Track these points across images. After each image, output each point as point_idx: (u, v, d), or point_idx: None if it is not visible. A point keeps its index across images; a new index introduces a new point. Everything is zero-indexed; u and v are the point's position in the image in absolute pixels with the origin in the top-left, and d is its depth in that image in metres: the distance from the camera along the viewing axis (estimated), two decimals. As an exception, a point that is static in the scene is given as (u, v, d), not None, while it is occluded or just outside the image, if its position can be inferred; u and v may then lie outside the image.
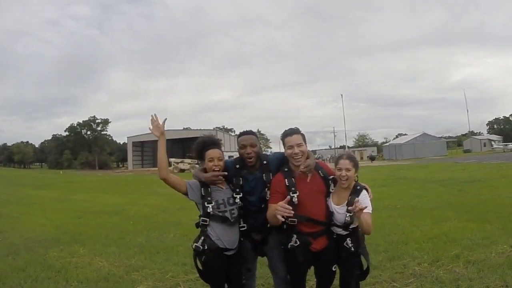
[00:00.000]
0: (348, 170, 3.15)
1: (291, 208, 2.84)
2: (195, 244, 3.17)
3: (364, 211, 3.03)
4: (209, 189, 3.19)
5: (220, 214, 3.17)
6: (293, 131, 3.23)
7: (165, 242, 6.87)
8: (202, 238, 3.16)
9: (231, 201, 3.24)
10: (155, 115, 3.20)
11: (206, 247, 3.13)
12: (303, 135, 3.26)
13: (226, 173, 3.25)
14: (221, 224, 3.17)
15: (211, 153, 3.23)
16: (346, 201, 3.14)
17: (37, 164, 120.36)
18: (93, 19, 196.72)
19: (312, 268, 3.47)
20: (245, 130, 3.47)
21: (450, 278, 4.28)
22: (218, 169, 3.19)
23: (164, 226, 8.49)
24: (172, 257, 5.81)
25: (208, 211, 3.15)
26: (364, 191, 3.19)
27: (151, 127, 3.18)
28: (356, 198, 3.03)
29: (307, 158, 3.24)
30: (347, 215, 3.12)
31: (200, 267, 3.24)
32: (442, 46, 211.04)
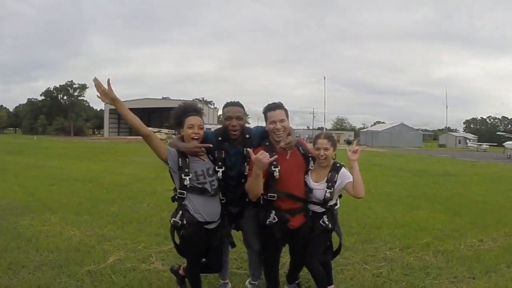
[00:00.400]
0: (326, 149, 3.15)
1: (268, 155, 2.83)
2: (173, 219, 3.04)
3: (348, 180, 3.13)
4: (187, 159, 3.03)
5: (199, 186, 3.04)
6: (277, 106, 3.16)
7: (139, 212, 6.80)
8: (181, 212, 3.04)
9: (210, 171, 3.11)
10: (95, 79, 2.85)
11: (185, 222, 3.01)
12: (286, 111, 3.20)
13: (211, 145, 3.13)
14: (200, 196, 3.04)
15: (192, 119, 3.06)
16: (326, 178, 3.17)
17: (11, 129, 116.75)
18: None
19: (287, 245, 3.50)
20: (232, 100, 3.32)
21: (420, 265, 4.40)
22: (197, 137, 3.03)
23: (139, 195, 8.41)
24: (145, 227, 5.76)
25: (185, 183, 3.00)
26: (343, 169, 3.22)
27: (98, 94, 2.88)
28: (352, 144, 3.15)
29: (289, 134, 3.20)
30: (327, 191, 3.14)
31: (178, 242, 3.15)
32: (429, 42, 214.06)
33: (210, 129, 3.51)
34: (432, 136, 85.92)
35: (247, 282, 3.79)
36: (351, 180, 3.10)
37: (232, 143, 3.26)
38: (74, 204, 7.46)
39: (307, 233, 3.25)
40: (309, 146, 3.43)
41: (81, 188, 9.49)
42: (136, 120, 2.96)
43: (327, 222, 3.18)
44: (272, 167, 3.03)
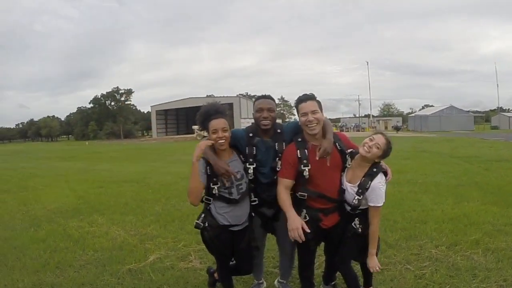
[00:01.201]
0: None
1: (303, 237, 2.79)
2: (196, 221, 3.10)
3: (371, 204, 2.92)
4: None
5: (226, 194, 3.03)
6: (308, 97, 3.01)
7: (181, 210, 6.99)
8: (203, 215, 3.09)
9: (239, 175, 3.06)
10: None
11: (207, 224, 3.05)
12: (318, 102, 3.03)
13: (238, 175, 3.07)
14: (226, 203, 3.05)
15: (215, 124, 2.98)
16: (359, 182, 2.94)
17: (64, 136, 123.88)
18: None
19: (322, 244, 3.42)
20: (263, 94, 3.29)
21: (467, 266, 4.07)
22: (223, 141, 2.98)
23: (183, 193, 8.48)
24: (187, 225, 5.85)
25: (213, 192, 3.01)
26: (379, 176, 2.94)
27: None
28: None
29: (324, 130, 3.02)
30: (355, 197, 2.94)
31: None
32: (474, 16, 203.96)
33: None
34: (484, 118, 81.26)
35: (276, 281, 3.79)
36: (373, 205, 2.93)
37: (263, 136, 3.19)
38: (121, 205, 7.79)
39: (341, 233, 3.13)
40: (354, 135, 3.24)
41: (128, 189, 9.89)
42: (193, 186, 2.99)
43: (357, 226, 3.02)
44: (302, 165, 2.93)
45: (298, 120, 3.19)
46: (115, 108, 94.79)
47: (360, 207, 2.99)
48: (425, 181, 9.60)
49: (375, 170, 2.94)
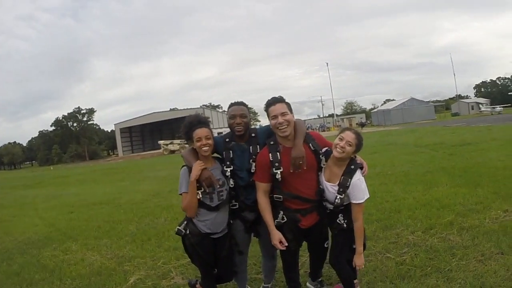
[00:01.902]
0: (284, 114, 2.95)
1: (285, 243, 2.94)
2: (177, 227, 3.14)
3: (354, 201, 2.98)
4: None
5: (207, 201, 3.08)
6: (276, 100, 3.03)
7: (156, 228, 6.82)
8: (185, 222, 3.13)
9: (220, 182, 3.11)
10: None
11: (188, 232, 3.10)
12: (288, 104, 3.05)
13: (220, 183, 3.12)
14: (206, 210, 3.09)
15: (198, 132, 3.05)
16: (339, 181, 2.97)
17: (28, 163, 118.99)
18: (66, 8, 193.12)
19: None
20: (235, 101, 3.33)
21: (445, 247, 4.23)
22: (207, 148, 3.04)
23: (155, 211, 8.43)
24: (164, 243, 5.77)
25: (198, 197, 3.03)
26: (358, 172, 2.99)
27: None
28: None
29: (295, 133, 3.05)
30: (338, 196, 2.98)
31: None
32: (427, 11, 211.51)
33: (221, 133, 3.49)
34: (444, 106, 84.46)
35: (261, 287, 3.76)
36: (357, 202, 2.99)
37: (238, 141, 3.24)
38: (93, 228, 7.50)
39: (323, 232, 3.19)
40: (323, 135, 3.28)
41: (99, 211, 9.55)
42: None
43: (342, 221, 3.06)
44: (274, 169, 2.94)
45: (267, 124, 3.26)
46: (78, 129, 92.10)
47: (343, 204, 3.04)
48: (394, 172, 9.86)
49: (352, 167, 2.99)
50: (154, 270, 4.71)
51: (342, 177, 2.96)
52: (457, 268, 3.68)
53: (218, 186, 3.08)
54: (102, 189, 15.25)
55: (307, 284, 3.65)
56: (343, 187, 2.94)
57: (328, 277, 3.86)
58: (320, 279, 3.63)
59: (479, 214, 5.21)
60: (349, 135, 2.96)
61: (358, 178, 2.96)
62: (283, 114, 2.95)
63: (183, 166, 3.17)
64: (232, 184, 3.20)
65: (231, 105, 3.30)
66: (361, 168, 3.05)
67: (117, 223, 7.76)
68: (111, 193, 13.28)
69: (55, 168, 52.51)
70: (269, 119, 3.06)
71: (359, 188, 2.95)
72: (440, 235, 4.61)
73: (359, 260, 3.11)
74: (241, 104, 3.29)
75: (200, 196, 3.03)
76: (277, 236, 2.99)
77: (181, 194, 3.09)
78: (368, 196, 3.02)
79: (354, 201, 2.97)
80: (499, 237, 4.29)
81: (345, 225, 3.05)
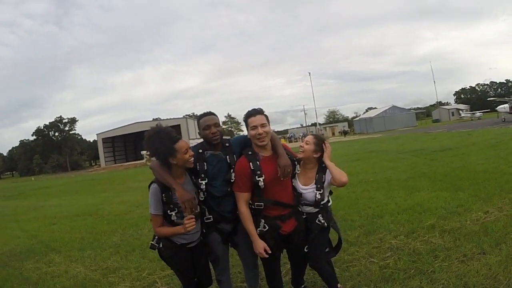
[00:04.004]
0: (263, 126, 3.05)
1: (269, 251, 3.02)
2: (151, 242, 3.10)
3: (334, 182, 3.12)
4: (170, 192, 2.93)
5: (180, 219, 2.95)
6: (257, 112, 3.11)
7: (140, 239, 6.73)
8: (156, 236, 3.09)
9: (196, 201, 3.03)
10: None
11: (161, 245, 3.06)
12: (266, 116, 3.15)
13: (198, 210, 3.07)
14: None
15: (184, 145, 2.95)
16: (314, 180, 3.17)
17: (8, 173, 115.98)
18: (50, 15, 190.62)
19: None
20: (205, 111, 3.34)
21: (427, 249, 4.31)
22: (192, 159, 2.99)
23: (139, 221, 8.33)
24: (148, 253, 5.64)
25: (172, 219, 2.97)
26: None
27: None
28: None
29: (274, 145, 3.17)
30: (317, 193, 3.14)
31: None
32: (407, 21, 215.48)
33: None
34: (425, 113, 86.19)
35: None
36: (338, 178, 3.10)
37: (214, 150, 3.24)
38: (77, 240, 7.38)
39: (302, 236, 3.23)
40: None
41: (82, 223, 9.39)
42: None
43: (322, 221, 3.17)
44: (256, 177, 3.00)
45: (242, 135, 3.38)
46: (59, 138, 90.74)
47: (323, 202, 3.18)
48: (376, 178, 10.01)
49: (323, 165, 3.20)
50: (139, 281, 4.67)
51: (317, 175, 3.17)
52: (440, 270, 3.76)
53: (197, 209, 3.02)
54: (84, 200, 15.03)
55: None
56: (320, 183, 3.14)
57: (313, 283, 3.89)
58: (303, 286, 3.66)
59: (460, 217, 5.34)
60: (308, 136, 3.27)
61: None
62: (262, 125, 3.05)
63: (152, 182, 3.01)
64: (202, 197, 3.18)
65: (203, 115, 3.30)
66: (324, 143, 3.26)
67: (101, 234, 7.65)
68: (94, 204, 13.07)
69: (36, 179, 51.57)
70: (247, 129, 3.14)
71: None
72: (423, 238, 4.70)
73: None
74: (212, 114, 3.32)
75: (175, 218, 2.96)
76: (261, 245, 3.02)
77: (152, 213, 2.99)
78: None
79: (334, 182, 3.12)
80: (481, 237, 4.40)
81: (325, 224, 3.19)
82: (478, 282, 3.40)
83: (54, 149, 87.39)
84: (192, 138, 48.87)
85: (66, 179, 38.60)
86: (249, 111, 3.15)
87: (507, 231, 4.47)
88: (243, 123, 3.46)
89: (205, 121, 3.23)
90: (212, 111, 3.35)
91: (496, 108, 38.43)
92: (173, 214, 2.94)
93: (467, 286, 3.37)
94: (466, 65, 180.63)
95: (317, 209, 3.18)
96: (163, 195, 2.92)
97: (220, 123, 3.33)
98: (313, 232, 3.21)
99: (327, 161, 3.14)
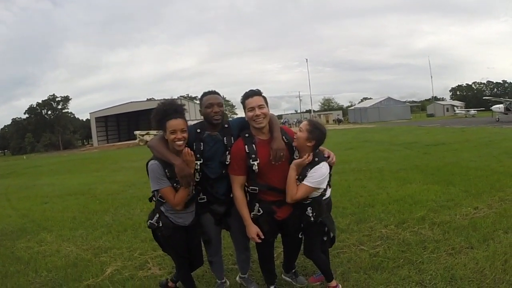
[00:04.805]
0: (261, 107, 3.00)
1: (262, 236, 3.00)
2: (149, 221, 3.10)
3: (305, 182, 3.00)
4: (171, 168, 2.90)
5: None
6: (254, 93, 3.05)
7: (133, 219, 6.75)
8: (157, 215, 3.08)
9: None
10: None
11: (161, 224, 3.06)
12: (264, 98, 3.09)
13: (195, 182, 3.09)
14: None
15: (174, 124, 2.88)
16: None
17: (0, 151, 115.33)
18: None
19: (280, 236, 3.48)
20: (209, 90, 3.27)
21: (417, 240, 4.39)
22: (181, 142, 2.90)
23: (131, 202, 8.36)
24: (140, 233, 5.72)
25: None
26: (321, 164, 3.05)
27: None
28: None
29: (271, 127, 3.10)
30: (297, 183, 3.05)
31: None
32: (407, 13, 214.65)
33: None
34: (420, 107, 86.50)
35: (237, 277, 3.81)
36: (306, 183, 3.00)
37: (212, 130, 3.18)
38: (68, 219, 7.35)
39: (297, 223, 3.21)
40: (296, 130, 3.30)
41: (74, 202, 9.36)
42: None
43: (310, 214, 3.10)
44: (251, 160, 2.97)
45: (241, 116, 3.29)
46: (52, 117, 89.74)
47: (311, 196, 3.10)
48: (369, 168, 10.10)
49: (316, 159, 3.05)
50: (131, 261, 4.67)
51: (305, 167, 3.03)
52: (428, 261, 3.83)
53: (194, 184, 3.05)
54: (77, 179, 14.93)
55: (282, 275, 3.72)
56: (302, 175, 3.01)
57: (303, 267, 3.95)
58: (294, 270, 3.70)
59: (450, 211, 5.42)
60: (302, 124, 3.12)
61: (321, 166, 3.04)
62: (260, 106, 2.98)
63: (151, 159, 3.02)
64: (198, 178, 3.14)
65: (206, 94, 3.24)
66: (329, 158, 3.17)
67: (93, 213, 7.64)
68: (86, 183, 13.03)
69: (28, 158, 51.11)
70: (245, 111, 3.09)
71: (318, 170, 3.01)
72: (412, 229, 4.78)
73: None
74: (216, 93, 3.25)
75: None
76: (254, 230, 3.02)
77: (155, 191, 3.05)
78: (322, 189, 3.08)
79: (305, 182, 3.01)
80: (469, 232, 4.48)
81: (312, 218, 3.10)
82: (465, 275, 3.46)
83: (47, 127, 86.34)
84: (186, 119, 48.83)
85: (58, 158, 38.29)
86: (246, 92, 3.09)
87: (495, 228, 4.55)
88: (237, 106, 3.41)
89: (208, 99, 3.16)
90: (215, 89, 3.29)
91: (491, 108, 38.54)
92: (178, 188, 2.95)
93: (454, 278, 3.43)
94: (463, 62, 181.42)
95: (307, 201, 3.11)
96: (166, 170, 2.92)
97: (223, 103, 3.26)
98: (303, 223, 3.20)
99: (293, 165, 3.03)
